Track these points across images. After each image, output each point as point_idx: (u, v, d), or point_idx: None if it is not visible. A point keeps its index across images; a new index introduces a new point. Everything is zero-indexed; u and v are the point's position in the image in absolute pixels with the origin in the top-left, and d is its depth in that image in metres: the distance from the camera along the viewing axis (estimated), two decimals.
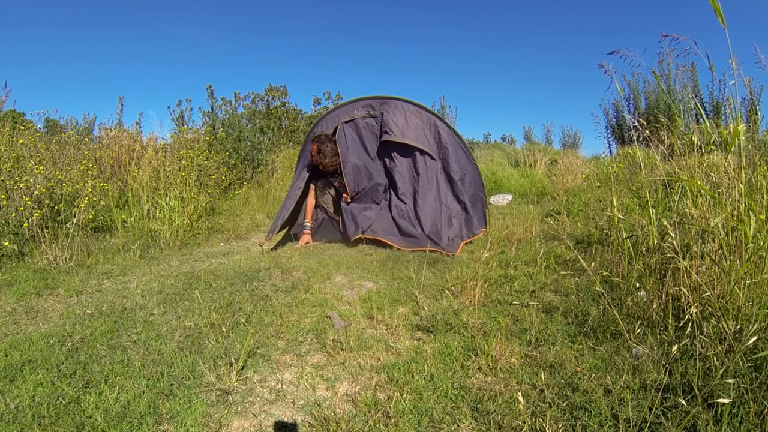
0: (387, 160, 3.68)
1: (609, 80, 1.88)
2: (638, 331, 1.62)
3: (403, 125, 3.61)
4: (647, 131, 2.25)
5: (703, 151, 2.02)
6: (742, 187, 1.56)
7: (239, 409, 1.35)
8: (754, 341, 1.32)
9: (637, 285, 1.90)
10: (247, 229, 4.11)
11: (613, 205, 2.38)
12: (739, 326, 1.41)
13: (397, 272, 2.73)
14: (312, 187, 3.74)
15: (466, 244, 3.50)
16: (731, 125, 1.58)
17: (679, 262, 1.63)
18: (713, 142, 1.93)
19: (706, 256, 1.65)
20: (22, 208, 3.02)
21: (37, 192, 3.17)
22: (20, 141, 3.95)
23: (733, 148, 1.56)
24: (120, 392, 1.39)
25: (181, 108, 7.17)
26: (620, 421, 1.18)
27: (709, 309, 1.52)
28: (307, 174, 3.66)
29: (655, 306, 1.72)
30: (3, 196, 3.05)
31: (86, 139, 5.32)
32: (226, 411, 1.33)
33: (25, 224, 2.98)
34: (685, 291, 1.59)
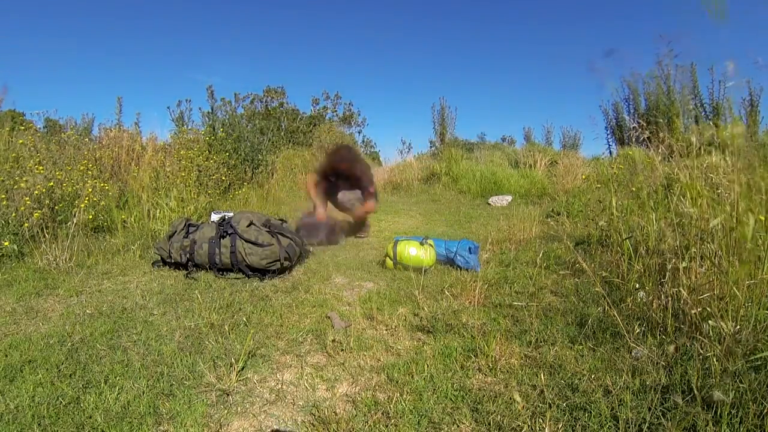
0: None
1: (607, 80, 1.88)
2: (638, 331, 1.63)
3: None
4: (647, 132, 2.25)
5: (702, 152, 2.02)
6: (741, 188, 1.56)
7: (239, 409, 1.35)
8: (753, 342, 1.32)
9: (637, 286, 1.91)
10: None
11: (612, 206, 2.39)
12: (738, 327, 1.41)
13: (397, 272, 2.74)
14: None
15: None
16: (729, 126, 1.58)
17: (678, 263, 1.63)
18: (711, 143, 1.94)
19: (705, 257, 1.65)
20: (22, 208, 3.01)
21: (37, 192, 3.17)
22: (20, 141, 3.95)
23: (732, 149, 1.56)
24: (120, 392, 1.39)
25: (181, 108, 7.19)
26: (620, 422, 1.19)
27: (709, 310, 1.52)
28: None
29: (654, 307, 1.72)
30: (3, 196, 3.05)
31: (86, 139, 5.31)
32: (226, 411, 1.34)
33: (25, 224, 2.97)
34: (684, 292, 1.59)
